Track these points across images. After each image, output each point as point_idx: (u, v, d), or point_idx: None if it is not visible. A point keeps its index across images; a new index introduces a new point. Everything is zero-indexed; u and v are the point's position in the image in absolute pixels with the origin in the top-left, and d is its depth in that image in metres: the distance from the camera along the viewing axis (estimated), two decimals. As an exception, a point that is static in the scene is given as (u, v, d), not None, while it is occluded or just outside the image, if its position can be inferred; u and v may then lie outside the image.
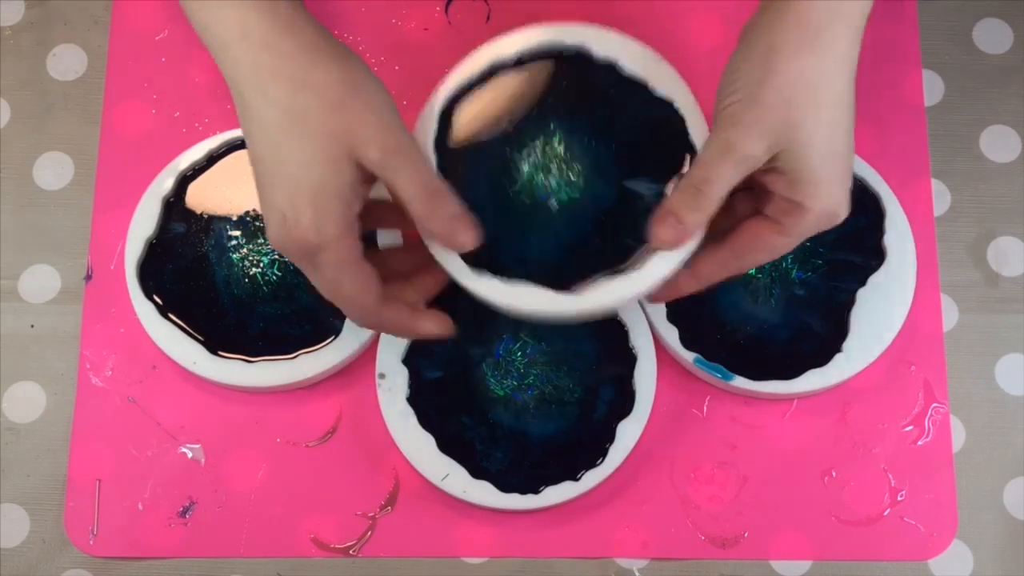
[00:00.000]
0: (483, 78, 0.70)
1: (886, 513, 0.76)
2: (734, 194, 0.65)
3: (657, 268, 0.66)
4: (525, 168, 0.68)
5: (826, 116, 0.63)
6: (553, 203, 0.68)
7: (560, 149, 0.68)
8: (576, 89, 0.69)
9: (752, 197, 0.67)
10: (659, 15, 0.83)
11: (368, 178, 0.64)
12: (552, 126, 0.68)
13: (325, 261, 0.64)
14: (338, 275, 0.65)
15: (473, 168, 0.68)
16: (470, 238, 0.65)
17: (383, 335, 0.76)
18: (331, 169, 0.62)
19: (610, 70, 0.69)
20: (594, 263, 0.67)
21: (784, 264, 0.77)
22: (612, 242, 0.67)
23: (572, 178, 0.68)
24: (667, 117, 0.68)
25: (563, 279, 0.66)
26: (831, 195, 0.64)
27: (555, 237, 0.67)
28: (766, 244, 0.66)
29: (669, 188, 0.67)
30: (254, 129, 0.63)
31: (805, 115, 0.63)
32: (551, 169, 0.68)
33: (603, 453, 0.74)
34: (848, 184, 0.65)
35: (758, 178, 0.65)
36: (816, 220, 0.65)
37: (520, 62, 0.69)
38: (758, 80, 0.63)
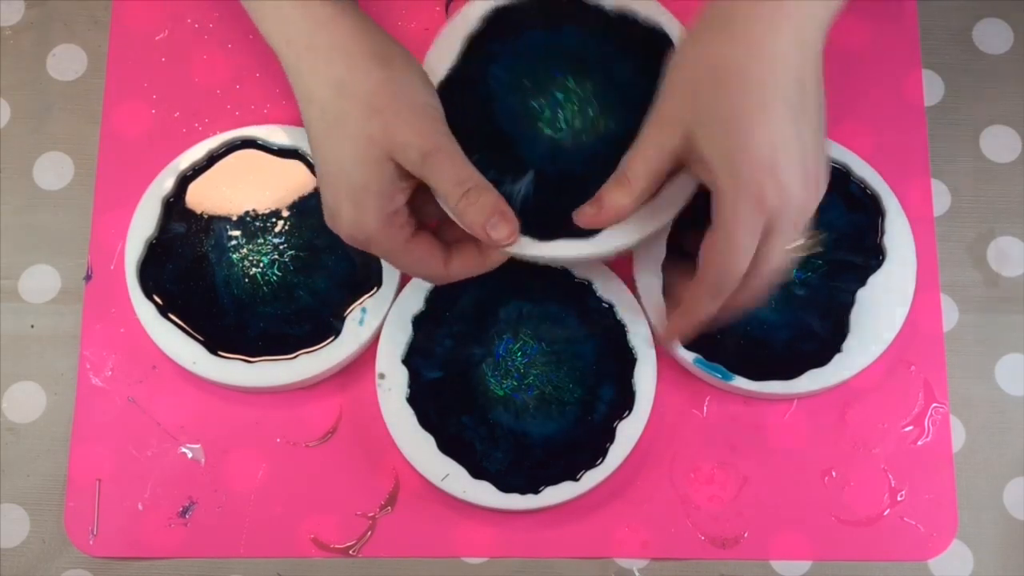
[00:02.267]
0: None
1: (886, 513, 0.76)
2: None
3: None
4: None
5: (740, 101, 0.62)
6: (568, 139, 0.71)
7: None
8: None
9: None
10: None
11: (411, 174, 0.66)
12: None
13: (375, 249, 0.68)
14: (391, 258, 0.69)
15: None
16: (506, 232, 0.67)
17: (382, 336, 0.76)
18: (370, 170, 0.65)
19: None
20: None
21: (784, 264, 0.77)
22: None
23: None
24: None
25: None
26: (753, 180, 0.62)
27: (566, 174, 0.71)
28: (710, 251, 0.65)
29: None
30: (307, 126, 0.67)
31: (713, 99, 0.63)
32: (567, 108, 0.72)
33: (603, 453, 0.74)
34: (797, 174, 0.63)
35: (696, 174, 0.66)
36: (740, 208, 0.63)
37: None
38: (673, 66, 0.66)
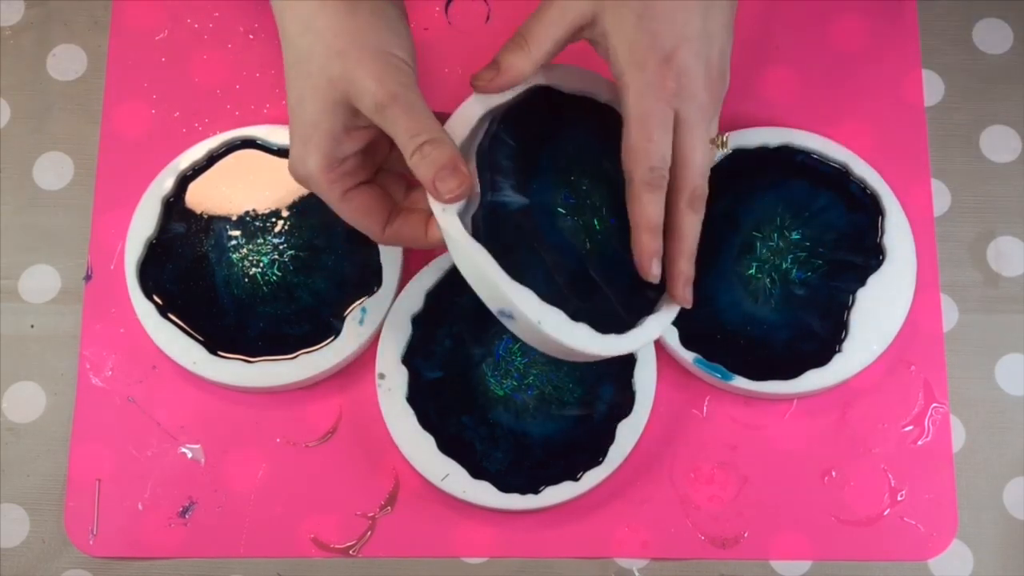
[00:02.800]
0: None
1: (886, 513, 0.76)
2: None
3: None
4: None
5: None
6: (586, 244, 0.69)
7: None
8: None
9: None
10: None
11: (369, 121, 0.65)
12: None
13: (314, 191, 0.67)
14: (332, 205, 0.68)
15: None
16: (453, 184, 0.64)
17: (383, 336, 0.76)
18: (323, 109, 0.65)
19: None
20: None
21: (784, 264, 0.77)
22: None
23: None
24: None
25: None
26: (658, 72, 0.65)
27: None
28: (629, 152, 0.66)
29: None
30: (284, 65, 0.67)
31: None
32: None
33: (603, 453, 0.74)
34: (701, 68, 0.66)
35: (599, 53, 0.67)
36: (645, 100, 0.65)
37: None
38: None
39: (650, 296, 0.70)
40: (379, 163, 0.70)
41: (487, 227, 0.65)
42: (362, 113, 0.65)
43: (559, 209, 0.68)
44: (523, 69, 0.67)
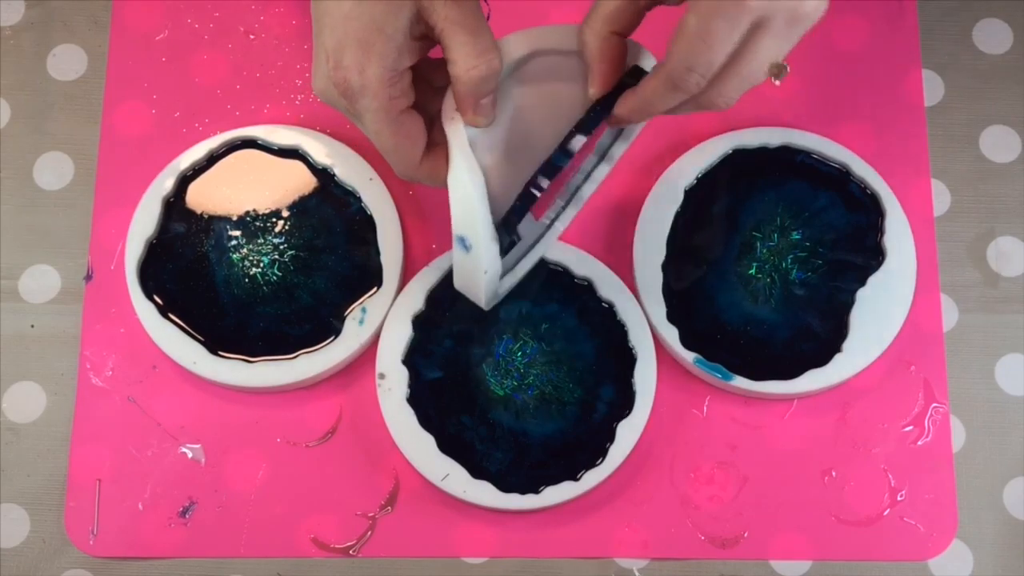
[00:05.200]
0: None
1: (886, 513, 0.76)
2: None
3: None
4: None
5: None
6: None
7: None
8: None
9: None
10: (660, 14, 0.83)
11: (426, 35, 0.62)
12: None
13: (366, 108, 0.62)
14: (379, 127, 0.63)
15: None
16: (487, 114, 0.63)
17: (383, 336, 0.76)
18: (388, 9, 0.60)
19: None
20: None
21: (784, 264, 0.77)
22: None
23: None
24: None
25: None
26: None
27: None
28: (682, 36, 0.58)
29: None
30: None
31: None
32: None
33: (603, 453, 0.74)
34: None
35: None
36: None
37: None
38: None
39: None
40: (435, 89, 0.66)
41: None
42: (424, 20, 0.61)
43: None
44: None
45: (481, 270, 0.66)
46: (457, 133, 0.64)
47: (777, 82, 0.62)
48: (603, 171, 0.71)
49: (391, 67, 0.61)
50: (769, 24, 0.58)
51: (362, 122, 0.64)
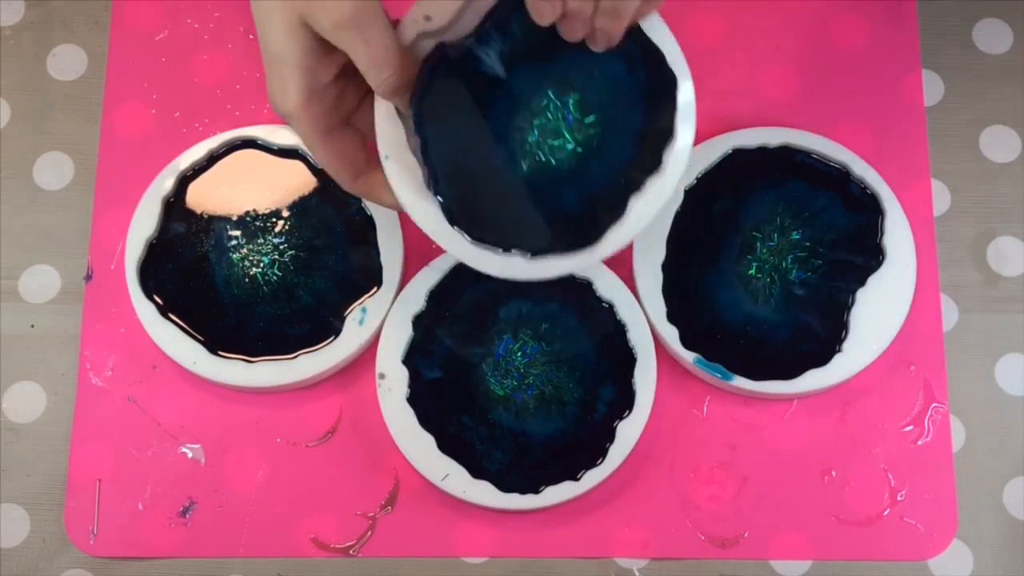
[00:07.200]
0: None
1: (886, 513, 0.76)
2: None
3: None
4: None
5: None
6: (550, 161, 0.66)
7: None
8: None
9: None
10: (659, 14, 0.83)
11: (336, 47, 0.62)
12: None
13: (298, 130, 0.65)
14: (310, 144, 0.65)
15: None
16: (404, 103, 0.63)
17: (383, 336, 0.76)
18: (288, 37, 0.61)
19: None
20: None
21: (784, 264, 0.77)
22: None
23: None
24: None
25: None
26: None
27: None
28: None
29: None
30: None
31: None
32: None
33: (603, 453, 0.74)
34: None
35: None
36: None
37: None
38: None
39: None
40: (361, 93, 0.67)
41: (439, 71, 0.62)
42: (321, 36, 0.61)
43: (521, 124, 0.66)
44: None
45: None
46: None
47: None
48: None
49: (307, 88, 0.63)
50: None
51: (302, 141, 0.66)
